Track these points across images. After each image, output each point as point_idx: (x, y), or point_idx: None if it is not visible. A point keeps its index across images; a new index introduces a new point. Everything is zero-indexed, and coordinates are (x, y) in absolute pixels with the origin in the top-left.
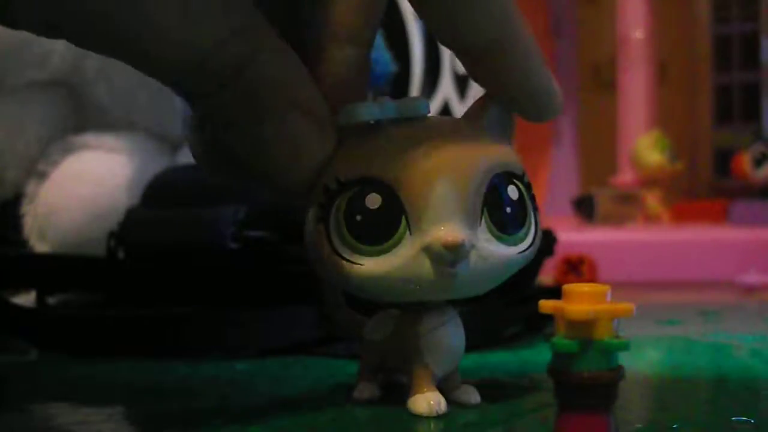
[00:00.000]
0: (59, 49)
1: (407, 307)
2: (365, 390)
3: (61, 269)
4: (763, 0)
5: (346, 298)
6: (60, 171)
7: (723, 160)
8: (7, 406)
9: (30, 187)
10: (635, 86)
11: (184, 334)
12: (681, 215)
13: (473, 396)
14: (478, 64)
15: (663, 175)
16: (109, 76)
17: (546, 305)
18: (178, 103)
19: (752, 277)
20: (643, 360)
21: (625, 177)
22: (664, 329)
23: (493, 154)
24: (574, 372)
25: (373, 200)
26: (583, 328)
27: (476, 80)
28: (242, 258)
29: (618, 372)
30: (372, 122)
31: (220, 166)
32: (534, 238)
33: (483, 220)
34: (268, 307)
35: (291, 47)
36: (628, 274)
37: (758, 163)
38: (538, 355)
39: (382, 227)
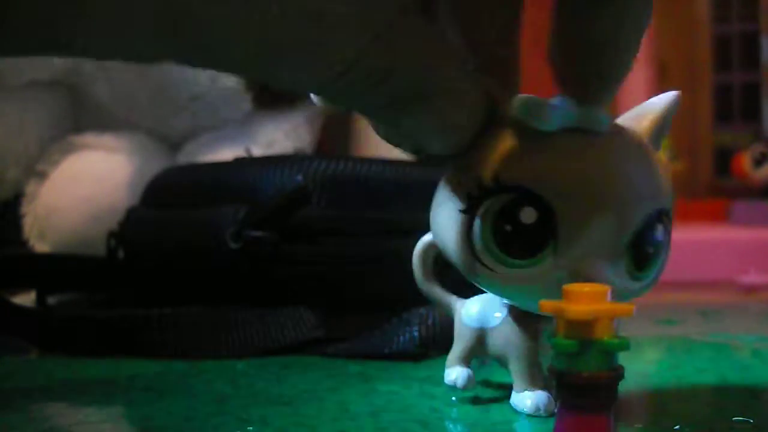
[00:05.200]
0: None
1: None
2: (462, 376)
3: (61, 269)
4: (763, 0)
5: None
6: (60, 171)
7: (723, 160)
8: (7, 406)
9: (30, 187)
10: (635, 86)
11: (184, 334)
12: (681, 215)
13: None
14: None
15: None
16: (109, 75)
17: (546, 305)
18: (178, 102)
19: (752, 277)
20: (643, 360)
21: None
22: (664, 329)
23: (657, 188)
24: (574, 372)
25: (529, 215)
26: (583, 328)
27: None
28: (242, 258)
29: (618, 372)
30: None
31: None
32: (657, 274)
33: (624, 258)
34: (268, 307)
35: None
36: None
37: (758, 163)
38: None
39: (530, 245)
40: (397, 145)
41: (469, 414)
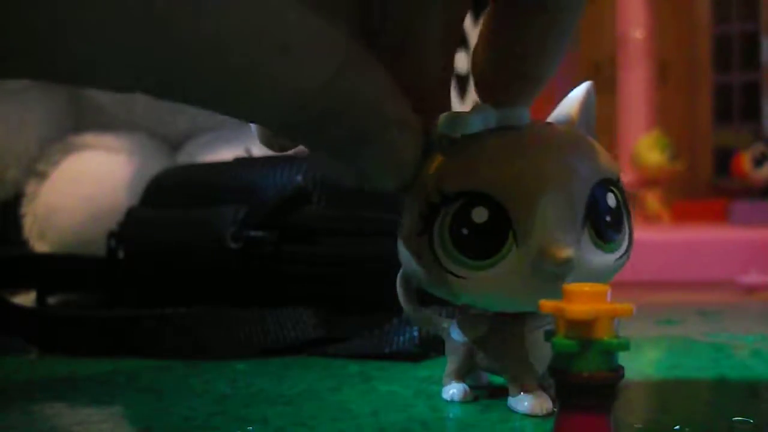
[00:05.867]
0: None
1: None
2: (459, 391)
3: (61, 269)
4: (763, 0)
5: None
6: (60, 171)
7: (723, 160)
8: (7, 406)
9: (30, 187)
10: (635, 86)
11: (185, 334)
12: (681, 215)
13: None
14: None
15: (663, 175)
16: None
17: (546, 305)
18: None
19: (752, 277)
20: (643, 360)
21: (625, 177)
22: (664, 329)
23: (594, 161)
24: (574, 372)
25: (480, 214)
26: (583, 328)
27: None
28: (242, 258)
29: (618, 372)
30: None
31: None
32: (629, 244)
33: (585, 230)
34: (268, 307)
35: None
36: (628, 273)
37: (758, 163)
38: None
39: (489, 242)
40: (342, 178)
41: (469, 414)
